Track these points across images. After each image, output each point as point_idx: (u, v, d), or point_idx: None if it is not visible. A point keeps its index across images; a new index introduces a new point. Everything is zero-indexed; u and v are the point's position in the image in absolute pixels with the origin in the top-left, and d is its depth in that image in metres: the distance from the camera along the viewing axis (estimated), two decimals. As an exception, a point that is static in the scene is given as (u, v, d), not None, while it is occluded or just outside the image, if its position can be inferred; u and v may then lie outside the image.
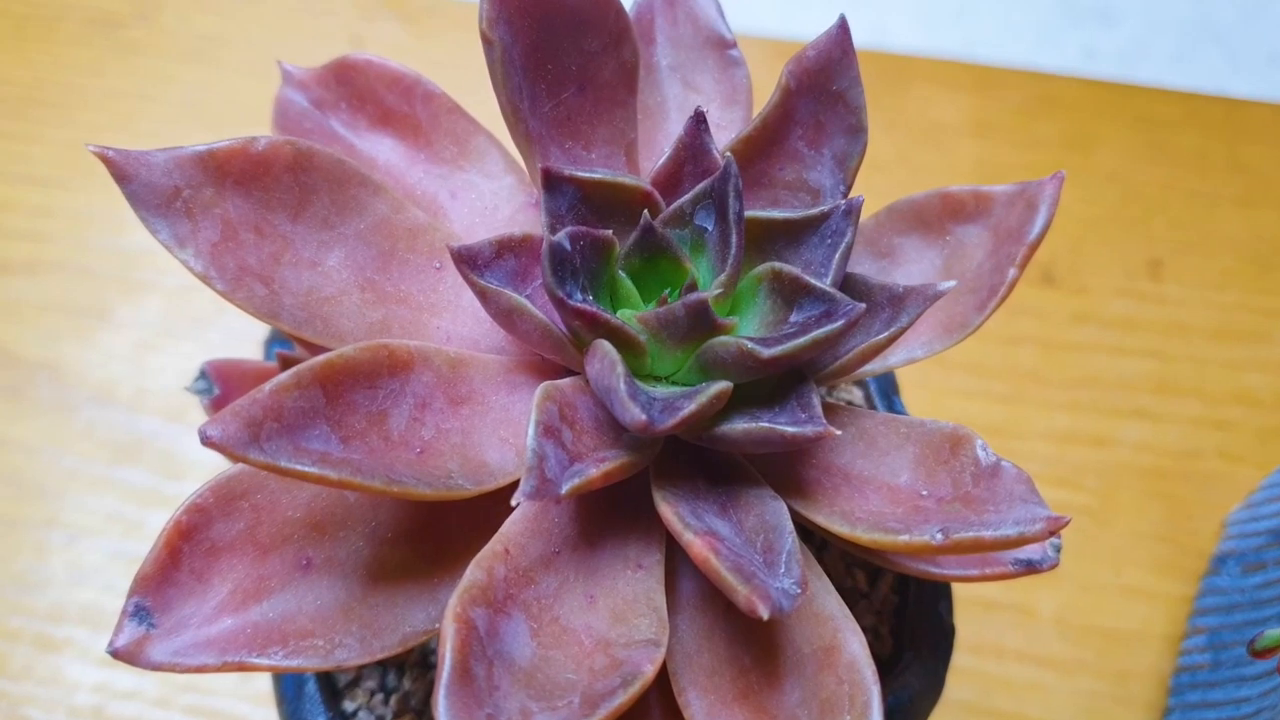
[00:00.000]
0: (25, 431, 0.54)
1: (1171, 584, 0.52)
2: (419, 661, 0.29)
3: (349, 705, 0.29)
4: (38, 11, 0.65)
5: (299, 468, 0.20)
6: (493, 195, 0.27)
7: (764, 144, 0.26)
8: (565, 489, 0.21)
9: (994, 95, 0.64)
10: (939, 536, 0.21)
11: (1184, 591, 0.52)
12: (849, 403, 0.34)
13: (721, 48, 0.28)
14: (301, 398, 0.21)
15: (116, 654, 0.22)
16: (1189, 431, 0.56)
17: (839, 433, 0.22)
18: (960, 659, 0.51)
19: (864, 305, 0.22)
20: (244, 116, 0.62)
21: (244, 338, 0.57)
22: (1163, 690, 0.49)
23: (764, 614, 0.19)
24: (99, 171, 0.60)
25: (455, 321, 0.25)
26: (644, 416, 0.20)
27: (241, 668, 0.22)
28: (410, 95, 0.27)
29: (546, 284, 0.22)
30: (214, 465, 0.52)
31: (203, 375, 0.31)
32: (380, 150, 0.26)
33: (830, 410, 0.25)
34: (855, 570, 0.31)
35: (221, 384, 0.31)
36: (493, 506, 0.23)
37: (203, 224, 0.22)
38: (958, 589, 0.51)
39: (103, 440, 0.54)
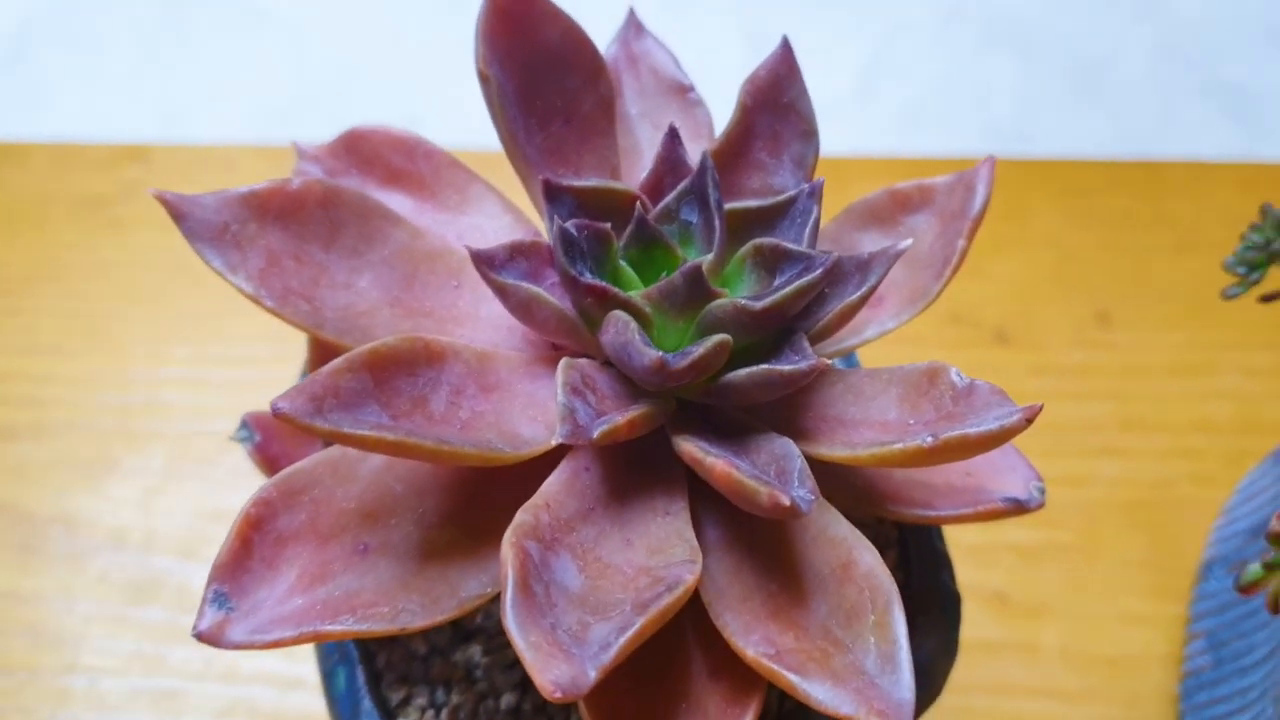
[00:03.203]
0: (40, 583, 0.55)
1: (1165, 606, 0.54)
2: (464, 677, 0.31)
3: (403, 723, 0.30)
4: (26, 199, 0.69)
5: (360, 432, 0.22)
6: (495, 233, 0.30)
7: (730, 156, 0.29)
8: (596, 433, 0.23)
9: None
10: (929, 439, 0.23)
11: (1177, 612, 0.54)
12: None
13: (682, 92, 0.32)
14: (354, 380, 0.23)
15: (200, 637, 0.24)
16: (1159, 463, 0.59)
17: (831, 363, 0.25)
18: (971, 700, 0.52)
19: (837, 254, 0.25)
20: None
21: (247, 475, 0.59)
22: (1173, 706, 0.51)
23: (785, 502, 0.22)
24: (98, 336, 0.63)
25: (475, 331, 0.28)
26: (659, 354, 0.23)
27: (316, 636, 0.24)
28: (413, 155, 0.31)
29: (559, 265, 0.25)
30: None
31: (244, 425, 0.34)
32: (392, 204, 0.30)
33: (821, 373, 0.28)
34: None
35: (261, 432, 0.33)
36: (530, 485, 0.25)
37: (250, 254, 0.25)
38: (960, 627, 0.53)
39: (118, 583, 0.55)
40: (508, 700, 0.30)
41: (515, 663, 0.31)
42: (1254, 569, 0.34)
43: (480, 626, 0.31)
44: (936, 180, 0.30)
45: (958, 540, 0.57)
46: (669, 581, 0.23)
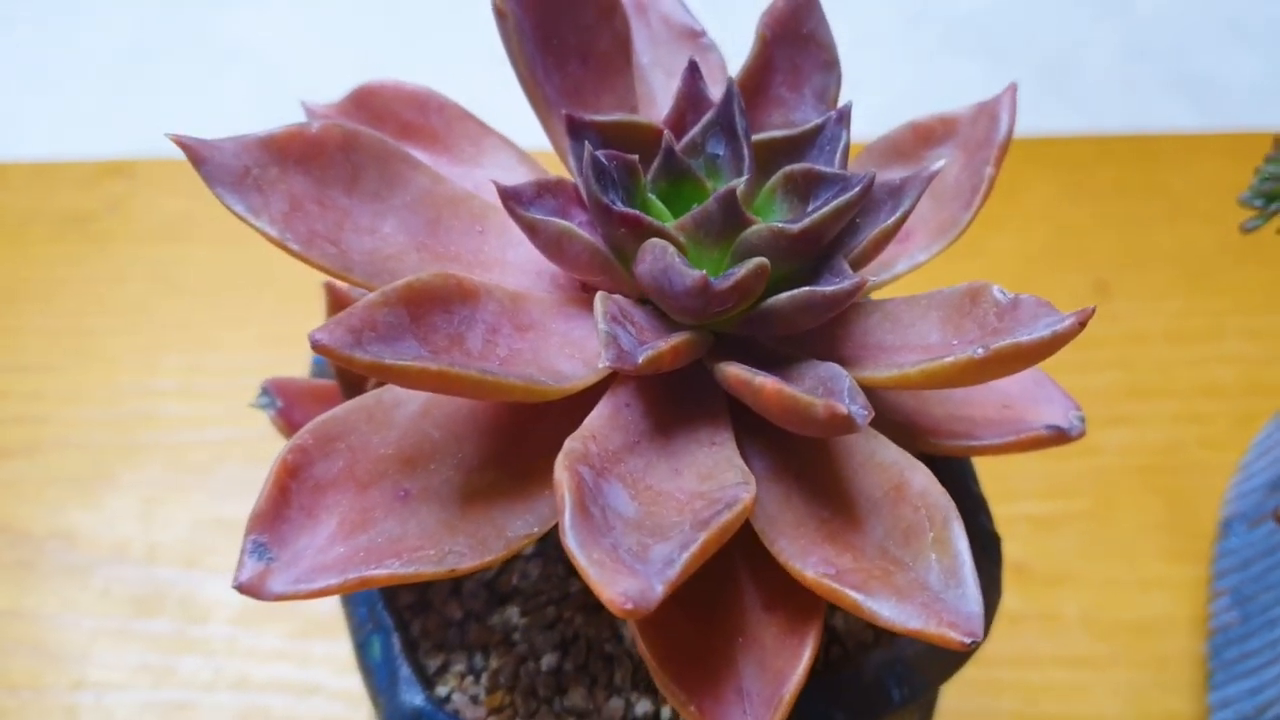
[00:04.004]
0: (41, 601, 0.54)
1: (1185, 568, 0.54)
2: (502, 641, 0.30)
3: (441, 690, 0.29)
4: (7, 218, 0.68)
5: (402, 363, 0.22)
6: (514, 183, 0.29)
7: (749, 93, 0.29)
8: (641, 358, 0.23)
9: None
10: (980, 351, 0.23)
11: (1198, 574, 0.54)
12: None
13: (694, 38, 0.31)
14: (390, 314, 0.23)
15: (241, 588, 0.23)
16: (1168, 428, 0.58)
17: (873, 279, 0.24)
18: (998, 673, 0.52)
19: (874, 171, 0.25)
20: (217, 280, 0.65)
21: (246, 483, 0.58)
22: (1202, 669, 0.50)
23: (843, 410, 0.21)
24: (87, 351, 0.62)
25: (503, 275, 0.27)
26: (701, 274, 0.23)
27: (363, 582, 0.23)
28: (425, 109, 0.30)
29: (590, 195, 0.24)
30: (238, 605, 0.53)
31: (265, 392, 0.33)
32: (407, 159, 0.29)
33: (855, 305, 0.27)
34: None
35: (282, 398, 0.32)
36: (570, 425, 0.25)
37: (272, 198, 0.25)
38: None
39: (121, 597, 0.54)
40: (548, 661, 0.29)
41: (554, 623, 0.30)
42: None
43: (516, 588, 0.30)
44: (959, 111, 0.30)
45: (971, 514, 0.56)
46: (726, 500, 0.22)
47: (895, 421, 0.28)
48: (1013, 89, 0.30)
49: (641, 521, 0.22)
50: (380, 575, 0.23)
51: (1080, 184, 0.68)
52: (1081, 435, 0.29)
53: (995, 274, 0.64)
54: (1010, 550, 0.55)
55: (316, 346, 0.21)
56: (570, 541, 0.20)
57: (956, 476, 0.33)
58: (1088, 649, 0.52)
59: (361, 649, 0.30)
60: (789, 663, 0.23)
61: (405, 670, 0.29)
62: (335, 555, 0.23)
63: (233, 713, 0.50)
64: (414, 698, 0.28)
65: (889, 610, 0.22)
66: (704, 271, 0.23)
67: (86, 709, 0.51)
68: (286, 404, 0.32)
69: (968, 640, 0.21)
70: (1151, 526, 0.55)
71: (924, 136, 0.30)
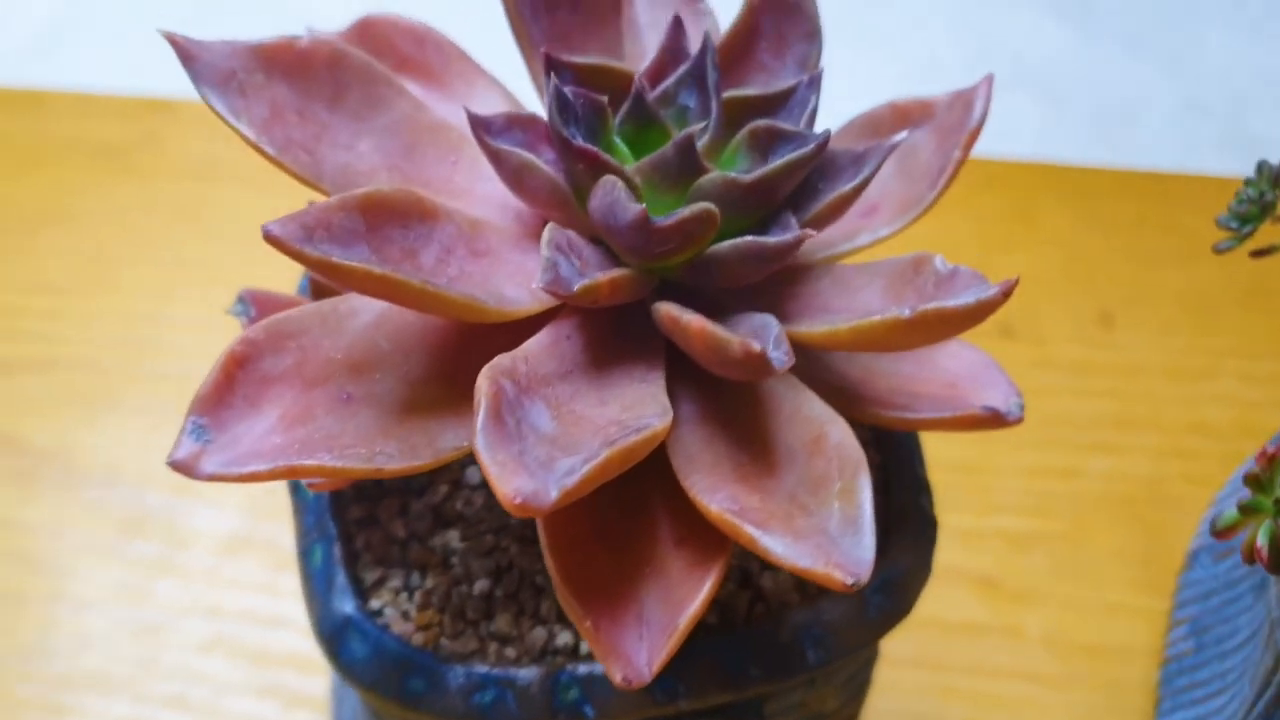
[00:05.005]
0: (33, 513, 0.55)
1: (1151, 599, 0.54)
2: (440, 563, 0.31)
3: (375, 603, 0.30)
4: (47, 143, 0.70)
5: (349, 263, 0.23)
6: (498, 126, 0.30)
7: (734, 57, 0.30)
8: (577, 287, 0.24)
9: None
10: (906, 312, 0.24)
11: (1163, 606, 0.54)
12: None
13: (692, 1, 0.32)
14: (347, 219, 0.24)
15: (175, 465, 0.24)
16: (1153, 461, 0.59)
17: (815, 233, 0.25)
18: (953, 680, 0.52)
19: (830, 130, 0.26)
20: (240, 222, 0.66)
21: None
22: (1152, 695, 0.51)
23: (756, 348, 0.22)
24: (106, 278, 0.64)
25: (469, 205, 0.28)
26: (642, 208, 0.24)
27: (291, 472, 0.24)
28: (424, 44, 0.31)
29: (552, 127, 0.25)
30: (222, 535, 0.54)
31: (241, 300, 0.34)
32: (400, 90, 0.30)
33: (809, 267, 0.28)
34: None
35: (258, 309, 0.34)
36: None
37: (254, 102, 0.26)
38: (947, 607, 0.53)
39: (109, 517, 0.55)
40: (480, 586, 0.30)
41: (491, 550, 0.31)
42: (1230, 513, 0.33)
43: (460, 514, 0.31)
44: (937, 97, 0.31)
45: (950, 524, 0.57)
46: (637, 426, 0.23)
47: (837, 386, 0.29)
48: (989, 79, 0.30)
49: (556, 438, 0.23)
50: (309, 465, 0.24)
51: (1096, 214, 0.68)
52: (1019, 421, 0.30)
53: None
54: (981, 563, 0.56)
55: (268, 237, 0.22)
56: (479, 443, 0.21)
57: (904, 457, 0.34)
58: (1045, 667, 0.52)
59: (304, 556, 0.31)
60: (689, 594, 0.24)
61: (341, 579, 0.30)
62: (270, 444, 0.24)
63: (203, 638, 0.52)
64: (345, 605, 0.30)
65: (781, 548, 0.22)
66: (643, 208, 0.24)
67: (63, 621, 0.52)
68: (260, 314, 0.33)
69: (850, 581, 0.22)
70: (1124, 555, 0.56)
71: (902, 116, 0.31)
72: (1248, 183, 0.35)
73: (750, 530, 0.23)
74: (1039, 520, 0.57)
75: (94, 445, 0.58)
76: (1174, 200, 0.69)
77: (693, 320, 0.23)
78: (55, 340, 0.62)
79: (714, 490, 0.24)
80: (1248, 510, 0.33)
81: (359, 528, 0.31)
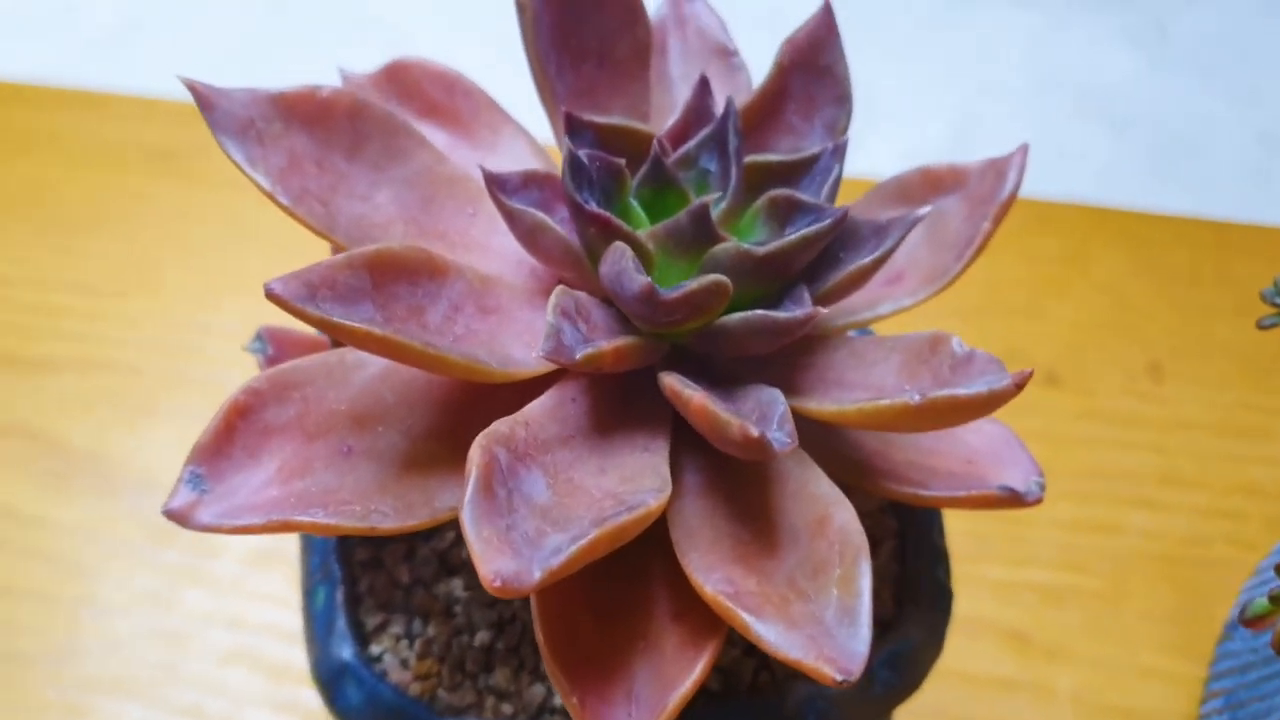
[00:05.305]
0: (68, 515, 0.56)
1: (1186, 665, 0.53)
2: (443, 611, 0.31)
3: (375, 649, 0.30)
4: (102, 144, 0.71)
5: (350, 323, 0.23)
6: (522, 174, 0.30)
7: (761, 116, 0.29)
8: (580, 355, 0.23)
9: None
10: (916, 397, 0.23)
11: (1199, 672, 0.52)
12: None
13: (725, 56, 0.32)
14: (353, 276, 0.24)
15: (169, 514, 0.24)
16: (1196, 521, 0.57)
17: (826, 310, 0.25)
18: (979, 737, 0.51)
19: (848, 207, 0.25)
20: (285, 235, 0.67)
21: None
22: (1182, 767, 0.49)
23: (755, 433, 0.21)
24: (150, 282, 0.65)
25: (484, 259, 0.28)
26: (648, 280, 0.23)
27: (285, 526, 0.24)
28: (453, 90, 0.31)
29: (565, 189, 0.25)
30: (247, 548, 0.55)
31: (259, 337, 0.34)
32: (426, 135, 0.30)
33: (825, 338, 0.27)
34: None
35: (275, 346, 0.34)
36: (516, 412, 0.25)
37: (272, 152, 0.26)
38: (974, 659, 0.52)
39: (141, 523, 0.56)
40: (482, 637, 0.30)
41: (494, 601, 0.31)
42: (1260, 602, 0.32)
43: (465, 561, 0.31)
44: (969, 163, 0.30)
45: (982, 575, 0.56)
46: (633, 503, 0.22)
47: (851, 458, 0.28)
48: (1024, 149, 0.30)
49: (549, 509, 0.22)
50: (303, 521, 0.24)
51: (1151, 262, 0.67)
52: (1039, 501, 0.29)
53: (1049, 340, 0.64)
54: (1013, 617, 0.55)
55: (270, 295, 0.22)
56: (465, 516, 0.21)
57: (923, 527, 0.33)
58: (1073, 728, 0.51)
59: (308, 596, 0.31)
60: (682, 671, 0.24)
61: (341, 624, 0.30)
62: (267, 497, 0.24)
63: (225, 649, 0.52)
64: (344, 651, 0.29)
65: (774, 636, 0.22)
66: (651, 279, 0.24)
67: (88, 624, 0.53)
68: (276, 352, 0.33)
69: (840, 677, 0.21)
70: (1161, 616, 0.54)
71: (933, 183, 0.30)
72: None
73: (744, 616, 0.22)
74: (1074, 575, 0.56)
75: (131, 449, 0.58)
76: (1232, 250, 0.67)
77: (694, 396, 0.23)
78: (97, 341, 0.63)
79: (711, 570, 0.23)
80: (1277, 599, 0.32)
81: (364, 570, 0.31)
